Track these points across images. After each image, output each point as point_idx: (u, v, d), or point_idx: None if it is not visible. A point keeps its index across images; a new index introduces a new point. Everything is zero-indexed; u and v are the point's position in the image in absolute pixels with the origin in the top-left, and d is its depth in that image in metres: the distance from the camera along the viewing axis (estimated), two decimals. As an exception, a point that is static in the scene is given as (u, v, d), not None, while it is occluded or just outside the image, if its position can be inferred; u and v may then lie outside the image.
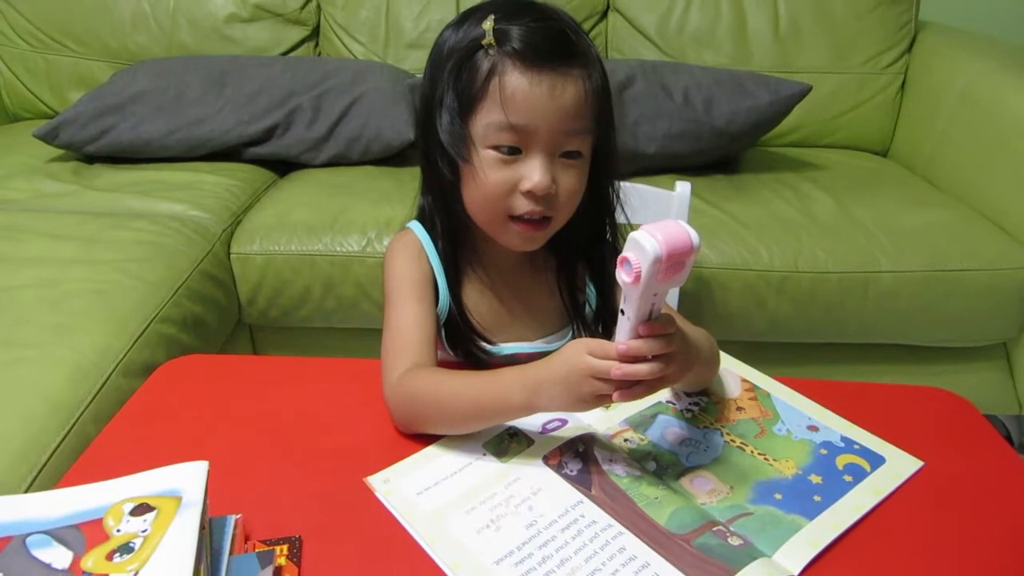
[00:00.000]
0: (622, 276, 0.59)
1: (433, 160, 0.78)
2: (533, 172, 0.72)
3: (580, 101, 0.72)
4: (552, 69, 0.70)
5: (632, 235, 0.58)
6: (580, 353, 0.63)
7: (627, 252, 0.58)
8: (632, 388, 0.62)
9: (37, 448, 0.85)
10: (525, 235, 0.76)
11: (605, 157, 0.79)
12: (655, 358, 0.61)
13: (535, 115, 0.71)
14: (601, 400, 0.63)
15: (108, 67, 1.91)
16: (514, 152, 0.73)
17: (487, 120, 0.72)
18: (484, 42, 0.71)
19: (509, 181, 0.73)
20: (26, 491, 0.81)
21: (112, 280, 1.14)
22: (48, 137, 1.61)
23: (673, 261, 0.57)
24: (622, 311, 0.61)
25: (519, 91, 0.70)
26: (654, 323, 0.61)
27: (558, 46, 0.71)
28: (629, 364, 0.61)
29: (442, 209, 0.81)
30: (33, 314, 1.04)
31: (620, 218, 0.86)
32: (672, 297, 1.17)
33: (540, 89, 0.70)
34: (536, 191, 0.72)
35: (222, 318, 1.36)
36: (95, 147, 1.61)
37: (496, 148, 0.73)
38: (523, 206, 0.74)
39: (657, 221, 0.58)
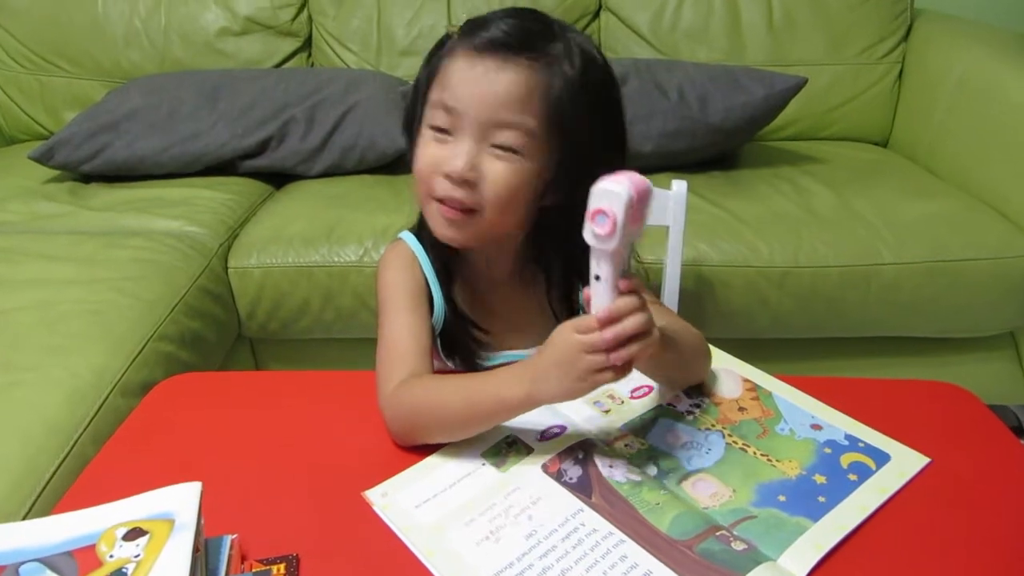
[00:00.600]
0: (595, 231, 0.59)
1: (410, 152, 0.80)
2: (452, 155, 0.72)
3: (516, 93, 0.70)
4: (494, 55, 0.70)
5: (594, 189, 0.59)
6: (568, 333, 0.63)
7: (597, 204, 0.59)
8: (627, 347, 0.61)
9: (36, 472, 0.85)
10: (445, 218, 0.75)
11: (579, 164, 0.73)
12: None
13: (465, 98, 0.71)
14: (600, 376, 0.62)
15: (102, 86, 1.91)
16: (444, 133, 0.73)
17: (431, 99, 0.74)
18: (450, 30, 0.74)
19: (433, 161, 0.73)
20: (26, 515, 0.80)
21: (108, 300, 1.14)
22: (43, 158, 1.61)
23: (639, 203, 0.59)
24: (596, 277, 0.61)
25: (457, 72, 0.71)
26: (630, 276, 0.62)
27: (511, 37, 0.71)
28: (617, 327, 0.61)
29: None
30: (29, 337, 1.04)
31: None
32: (673, 295, 1.16)
33: (475, 72, 0.70)
34: (451, 174, 0.71)
35: (221, 333, 1.35)
36: (90, 166, 1.61)
37: (432, 127, 0.73)
38: (442, 189, 0.73)
39: (609, 175, 0.60)
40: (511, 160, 0.72)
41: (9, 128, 2.03)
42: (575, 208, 0.74)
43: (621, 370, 0.62)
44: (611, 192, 0.58)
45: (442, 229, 0.76)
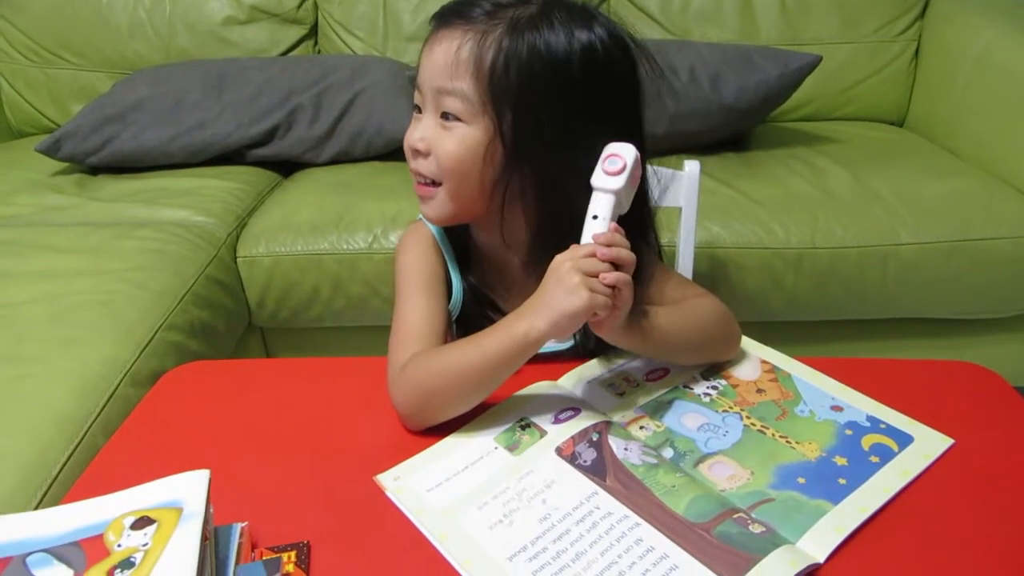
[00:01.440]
0: (606, 169, 0.68)
1: None
2: (413, 129, 0.75)
3: (448, 59, 0.71)
4: (440, 27, 0.73)
5: (608, 148, 0.69)
6: (562, 256, 0.67)
7: (611, 151, 0.69)
8: (615, 272, 0.66)
9: (46, 463, 0.84)
10: (417, 194, 0.78)
11: (529, 136, 0.72)
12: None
13: (421, 72, 0.74)
14: (595, 294, 0.64)
15: (108, 77, 1.91)
16: (417, 111, 0.76)
17: None
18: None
19: (407, 137, 0.76)
20: (36, 507, 0.80)
21: (117, 290, 1.13)
22: (51, 151, 1.61)
23: (636, 168, 0.69)
24: (594, 216, 0.68)
25: (422, 49, 0.75)
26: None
27: (450, 7, 0.74)
28: (607, 248, 0.66)
29: None
30: (38, 329, 1.04)
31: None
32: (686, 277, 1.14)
33: (426, 47, 0.74)
34: (406, 143, 0.76)
35: (231, 323, 1.35)
36: (97, 158, 1.61)
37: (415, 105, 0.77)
38: (411, 163, 0.77)
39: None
40: (455, 128, 0.73)
41: (16, 121, 2.03)
42: (574, 201, 0.73)
43: (609, 297, 0.65)
44: (624, 147, 0.69)
45: (420, 206, 0.79)
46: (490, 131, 0.72)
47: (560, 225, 0.74)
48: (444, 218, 0.78)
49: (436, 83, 0.72)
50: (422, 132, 0.74)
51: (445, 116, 0.73)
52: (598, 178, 0.68)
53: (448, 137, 0.73)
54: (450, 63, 0.71)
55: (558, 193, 0.74)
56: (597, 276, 0.65)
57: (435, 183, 0.76)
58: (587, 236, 0.68)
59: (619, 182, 0.67)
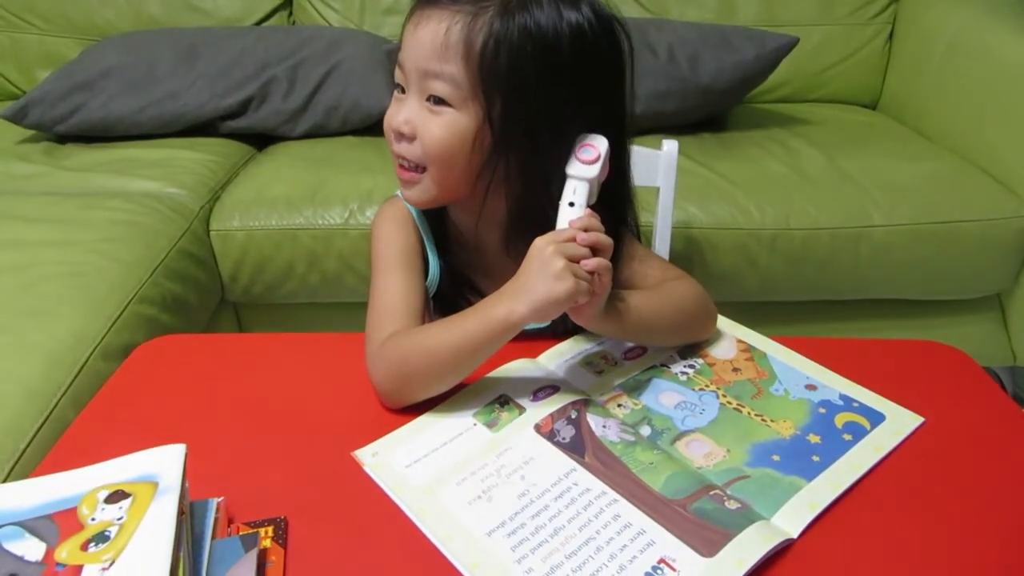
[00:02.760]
0: (580, 157, 0.70)
1: None
2: (397, 111, 0.73)
3: (438, 41, 0.68)
4: (427, 6, 0.70)
5: (582, 137, 0.71)
6: (542, 242, 0.67)
7: (585, 140, 0.71)
8: (595, 258, 0.67)
9: (14, 436, 0.83)
10: (399, 178, 0.76)
11: (517, 123, 0.71)
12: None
13: (405, 51, 0.72)
14: (575, 280, 0.65)
15: (76, 44, 1.85)
16: (400, 91, 0.73)
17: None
18: None
19: (387, 118, 0.74)
20: (4, 480, 0.79)
21: (87, 262, 1.11)
22: (16, 118, 1.56)
23: (607, 157, 0.71)
24: (571, 203, 0.70)
25: (405, 29, 0.72)
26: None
27: None
28: (585, 233, 0.67)
29: None
30: (6, 300, 1.01)
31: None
32: (663, 257, 1.14)
33: (413, 25, 0.71)
34: (390, 129, 0.74)
35: (204, 297, 1.33)
36: (65, 127, 1.57)
37: (395, 87, 0.75)
38: (393, 146, 0.75)
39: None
40: (442, 113, 0.71)
41: (-20, 87, 1.97)
42: (528, 172, 0.74)
43: (589, 283, 0.66)
44: (597, 138, 0.71)
45: (402, 188, 0.77)
46: (479, 117, 0.70)
47: (539, 209, 0.73)
48: (427, 202, 0.77)
49: (423, 65, 0.69)
50: (407, 114, 0.72)
51: (432, 99, 0.70)
52: (573, 166, 0.70)
53: (435, 122, 0.71)
54: (439, 45, 0.68)
55: (541, 179, 0.73)
56: (578, 262, 0.66)
57: (419, 168, 0.74)
58: (563, 222, 0.69)
59: (594, 170, 0.70)
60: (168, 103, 1.58)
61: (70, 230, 1.19)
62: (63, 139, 1.61)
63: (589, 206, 0.70)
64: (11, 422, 0.84)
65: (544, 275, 0.65)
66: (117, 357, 0.97)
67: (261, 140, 1.68)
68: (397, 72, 0.73)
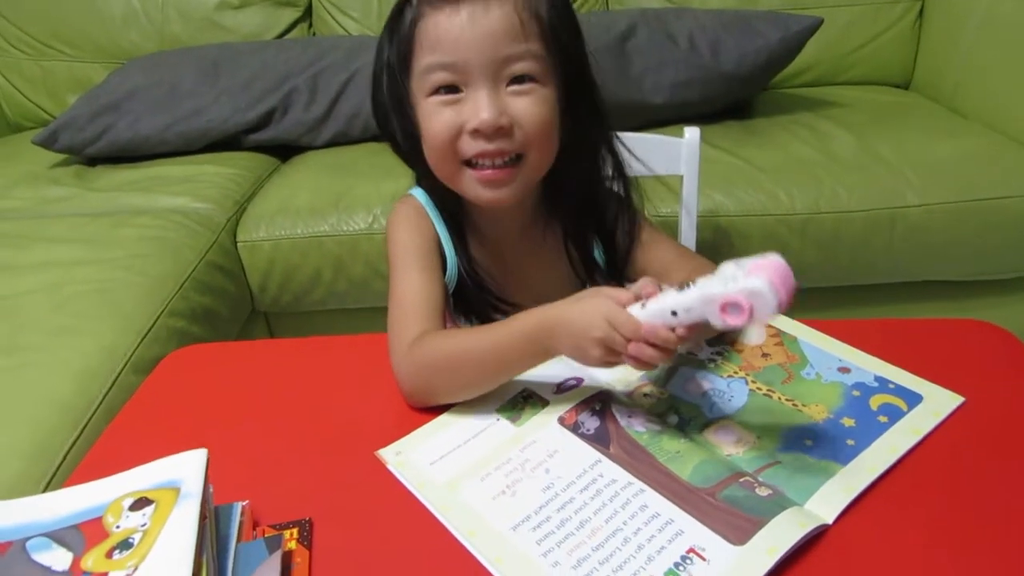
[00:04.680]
0: (725, 319, 0.54)
1: (390, 131, 0.77)
2: (477, 108, 0.68)
3: (511, 22, 0.67)
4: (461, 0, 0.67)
5: (753, 287, 0.53)
6: (601, 319, 0.59)
7: (744, 299, 0.53)
8: (642, 364, 0.60)
9: (49, 452, 0.84)
10: (486, 182, 0.71)
11: (580, 90, 0.73)
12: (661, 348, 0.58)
13: (461, 47, 0.67)
14: (607, 365, 0.62)
15: (103, 68, 1.90)
16: (453, 91, 0.69)
17: (419, 68, 0.70)
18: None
19: (453, 123, 0.69)
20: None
21: (116, 278, 1.13)
22: (48, 143, 1.60)
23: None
24: (674, 313, 0.57)
25: (438, 28, 0.68)
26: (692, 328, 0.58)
27: None
28: (644, 346, 0.58)
29: (425, 179, 0.79)
30: (38, 319, 1.03)
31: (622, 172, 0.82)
32: (689, 247, 1.13)
33: (459, 19, 0.66)
34: (483, 128, 0.68)
35: (234, 308, 1.34)
36: (95, 149, 1.60)
37: (435, 92, 0.69)
38: (472, 148, 0.69)
39: (767, 264, 0.54)
40: (533, 91, 0.69)
41: (13, 115, 2.02)
42: (583, 144, 0.74)
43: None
44: (763, 297, 0.53)
45: (486, 194, 0.73)
46: (557, 88, 0.71)
47: (566, 171, 0.76)
48: (521, 196, 0.75)
49: (501, 52, 0.67)
50: (498, 107, 0.68)
51: (519, 81, 0.69)
52: (711, 304, 0.55)
53: (529, 102, 0.69)
54: (514, 27, 0.67)
55: (584, 149, 0.75)
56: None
57: (517, 159, 0.71)
58: (656, 305, 0.58)
59: (721, 323, 0.55)
60: (193, 120, 1.60)
61: (100, 249, 1.21)
62: (93, 161, 1.65)
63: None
64: (46, 438, 0.85)
65: (577, 349, 0.62)
66: (148, 370, 0.97)
67: (285, 152, 1.70)
68: (438, 76, 0.69)
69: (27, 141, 1.68)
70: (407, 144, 0.76)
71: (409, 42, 0.70)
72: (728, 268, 0.55)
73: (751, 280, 0.53)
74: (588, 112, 0.75)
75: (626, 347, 0.59)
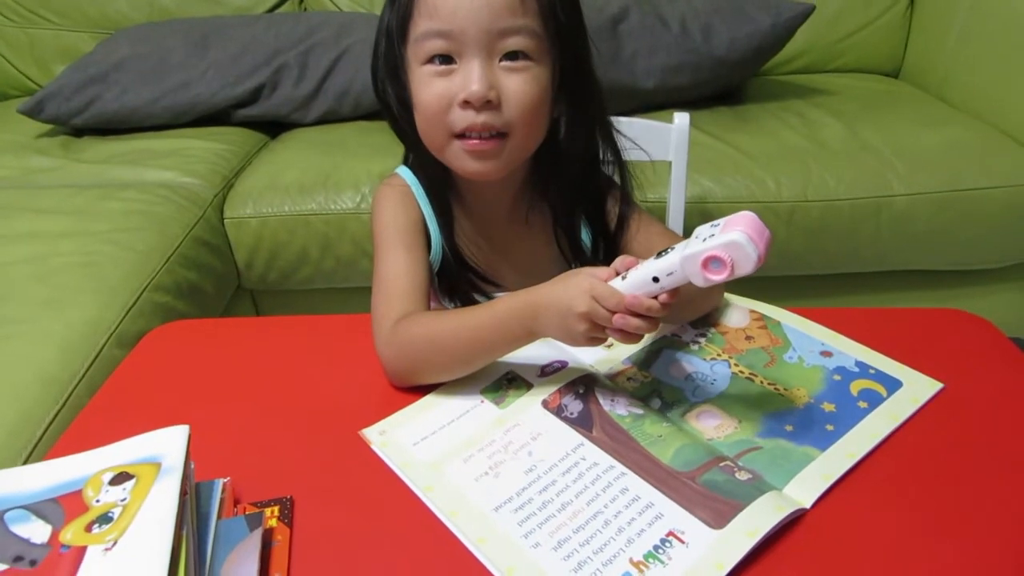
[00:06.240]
0: (706, 275, 0.54)
1: (385, 99, 0.76)
2: (467, 80, 0.67)
3: None
4: None
5: (731, 239, 0.53)
6: (583, 294, 0.60)
7: (724, 253, 0.53)
8: (628, 336, 0.60)
9: (31, 423, 0.84)
10: (473, 153, 0.70)
11: (576, 72, 0.73)
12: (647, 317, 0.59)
13: (459, 16, 0.66)
14: (594, 342, 0.62)
15: (91, 37, 1.86)
16: (447, 61, 0.68)
17: (416, 34, 0.69)
18: None
19: (445, 95, 0.68)
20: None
21: (102, 251, 1.12)
22: (33, 112, 1.58)
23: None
24: (655, 279, 0.57)
25: None
26: (673, 295, 0.58)
27: None
28: (628, 316, 0.58)
29: (414, 152, 0.78)
30: (22, 290, 1.02)
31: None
32: (676, 233, 1.13)
33: None
34: (471, 99, 0.67)
35: (219, 284, 1.33)
36: (81, 119, 1.58)
37: (430, 61, 0.69)
38: (462, 120, 0.69)
39: (740, 218, 0.54)
40: (526, 69, 0.69)
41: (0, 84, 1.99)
42: (577, 126, 0.74)
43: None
44: (744, 251, 0.53)
45: (472, 165, 0.72)
46: (552, 67, 0.70)
47: (556, 153, 0.75)
48: (505, 171, 0.74)
49: (497, 24, 0.66)
50: (484, 80, 0.67)
51: (512, 57, 0.68)
52: (691, 262, 0.55)
53: (519, 79, 0.68)
54: (514, 0, 0.67)
55: (578, 131, 0.74)
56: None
57: (501, 135, 0.70)
58: (637, 274, 0.58)
59: (702, 280, 0.55)
60: (181, 93, 1.58)
61: (85, 221, 1.20)
62: (79, 132, 1.62)
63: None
64: (28, 410, 0.85)
65: (562, 328, 0.62)
66: (132, 344, 0.97)
67: (274, 128, 1.68)
68: (433, 44, 0.68)
69: (12, 110, 1.65)
70: (400, 112, 0.76)
71: (408, 7, 0.70)
72: (703, 230, 0.56)
73: (728, 234, 0.53)
74: (583, 95, 0.75)
75: (610, 320, 0.59)
